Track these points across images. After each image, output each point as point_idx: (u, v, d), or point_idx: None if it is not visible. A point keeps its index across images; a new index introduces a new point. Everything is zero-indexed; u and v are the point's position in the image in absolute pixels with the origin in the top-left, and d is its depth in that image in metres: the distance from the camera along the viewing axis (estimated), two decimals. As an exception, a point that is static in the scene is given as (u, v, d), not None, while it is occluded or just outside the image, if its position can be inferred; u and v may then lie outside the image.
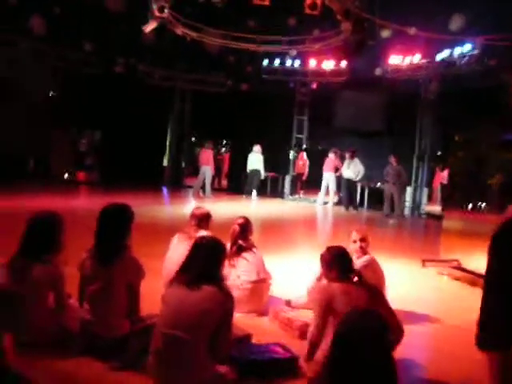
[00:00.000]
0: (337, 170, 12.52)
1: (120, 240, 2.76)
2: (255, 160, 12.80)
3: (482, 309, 1.92)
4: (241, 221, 3.95)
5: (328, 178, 12.57)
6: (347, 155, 12.13)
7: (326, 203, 12.67)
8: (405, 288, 4.88)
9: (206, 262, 2.45)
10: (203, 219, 3.94)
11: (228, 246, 3.91)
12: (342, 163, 12.43)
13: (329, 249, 2.88)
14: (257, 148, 12.83)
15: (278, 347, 2.84)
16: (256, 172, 12.87)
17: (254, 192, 13.08)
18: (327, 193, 12.68)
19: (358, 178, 12.13)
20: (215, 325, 2.35)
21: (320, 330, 2.64)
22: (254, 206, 11.90)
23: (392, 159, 11.28)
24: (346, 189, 12.32)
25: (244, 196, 12.95)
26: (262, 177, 13.08)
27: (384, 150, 12.22)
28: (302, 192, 14.29)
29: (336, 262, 2.76)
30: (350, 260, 2.83)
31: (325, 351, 2.59)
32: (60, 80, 13.45)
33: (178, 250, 3.61)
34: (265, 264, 3.98)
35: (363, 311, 1.85)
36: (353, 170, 12.03)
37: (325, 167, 12.69)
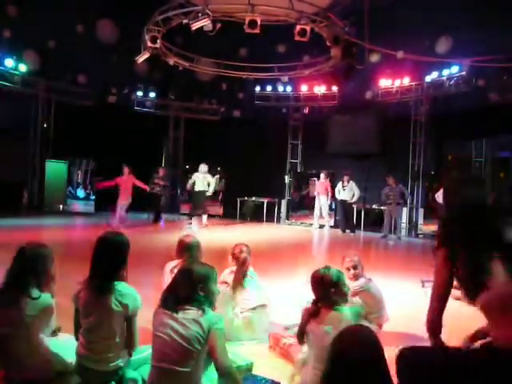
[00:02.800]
0: (327, 191, 12.49)
1: (117, 270, 2.69)
2: (201, 181, 11.61)
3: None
4: (246, 249, 3.90)
5: (320, 201, 12.52)
6: (345, 178, 12.06)
7: (321, 226, 12.61)
8: (406, 309, 4.83)
9: (190, 286, 2.39)
10: (190, 248, 3.71)
11: (226, 272, 3.85)
12: (333, 185, 12.42)
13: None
14: (203, 167, 11.75)
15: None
16: (202, 193, 11.64)
17: (205, 216, 11.85)
18: (321, 216, 12.62)
19: (353, 201, 12.06)
20: (203, 351, 2.29)
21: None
22: (246, 231, 11.82)
23: (390, 180, 11.26)
24: (342, 211, 12.26)
25: (190, 223, 11.65)
26: (209, 193, 11.80)
27: (378, 172, 12.30)
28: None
29: (312, 287, 2.73)
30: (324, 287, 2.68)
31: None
32: (53, 112, 13.54)
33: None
34: (263, 289, 3.92)
35: (354, 327, 1.84)
36: (348, 192, 11.97)
37: (316, 190, 12.70)
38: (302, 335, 2.65)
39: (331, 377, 1.62)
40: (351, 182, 12.03)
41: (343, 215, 12.27)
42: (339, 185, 12.19)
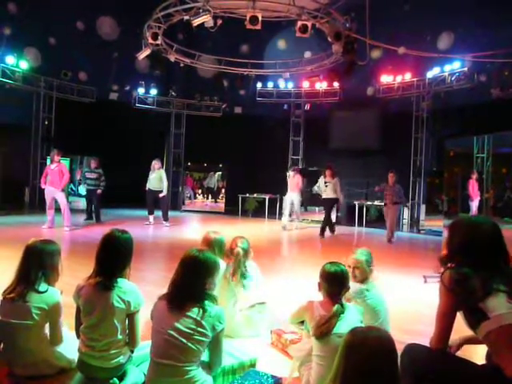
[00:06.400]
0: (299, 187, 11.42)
1: (123, 267, 2.69)
2: (153, 178, 10.92)
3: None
4: (242, 243, 3.79)
5: (290, 198, 11.42)
6: (327, 172, 10.47)
7: (285, 226, 11.37)
8: (408, 305, 4.84)
9: (192, 278, 2.38)
10: (213, 244, 3.69)
11: (224, 266, 3.82)
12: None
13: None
14: (154, 164, 10.98)
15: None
16: (154, 192, 10.92)
17: (153, 216, 11.09)
18: (293, 213, 11.64)
19: (339, 198, 10.55)
20: (203, 346, 2.31)
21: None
22: (248, 228, 11.82)
23: (389, 178, 9.90)
24: (326, 210, 10.68)
25: (149, 219, 11.04)
26: (161, 195, 10.91)
27: (380, 168, 12.30)
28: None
29: (324, 282, 2.70)
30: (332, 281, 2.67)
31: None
32: (54, 109, 13.55)
33: None
34: (263, 285, 3.92)
35: (369, 326, 1.84)
36: (331, 189, 10.33)
37: (289, 186, 11.54)
38: (325, 332, 2.49)
39: (347, 376, 1.62)
40: (336, 178, 10.43)
41: (326, 214, 10.64)
42: (321, 181, 10.70)
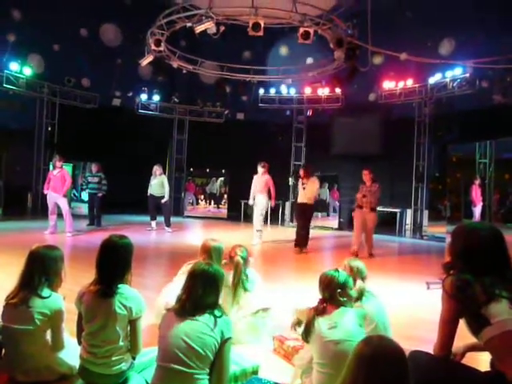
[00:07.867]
0: (269, 191, 9.39)
1: (123, 273, 2.69)
2: (155, 184, 10.92)
3: None
4: (241, 252, 3.82)
5: (260, 202, 9.42)
6: (301, 172, 8.89)
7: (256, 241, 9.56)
8: (411, 311, 4.81)
9: (202, 291, 2.38)
10: (211, 251, 3.73)
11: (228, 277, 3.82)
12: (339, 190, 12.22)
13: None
14: (158, 171, 10.95)
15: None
16: (156, 198, 10.90)
17: (155, 221, 11.08)
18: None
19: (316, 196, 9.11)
20: (212, 354, 2.30)
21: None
22: (250, 234, 11.78)
23: (365, 176, 8.50)
24: (302, 219, 8.90)
25: (151, 225, 11.06)
26: (163, 200, 10.85)
27: (382, 174, 12.28)
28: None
29: (320, 287, 2.71)
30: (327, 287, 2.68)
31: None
32: (57, 115, 13.61)
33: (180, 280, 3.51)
34: (265, 292, 3.91)
35: (380, 336, 1.82)
36: (308, 191, 8.60)
37: (253, 186, 9.54)
38: (307, 333, 2.59)
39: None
40: (313, 178, 8.81)
41: (303, 224, 8.83)
42: (299, 183, 8.92)
